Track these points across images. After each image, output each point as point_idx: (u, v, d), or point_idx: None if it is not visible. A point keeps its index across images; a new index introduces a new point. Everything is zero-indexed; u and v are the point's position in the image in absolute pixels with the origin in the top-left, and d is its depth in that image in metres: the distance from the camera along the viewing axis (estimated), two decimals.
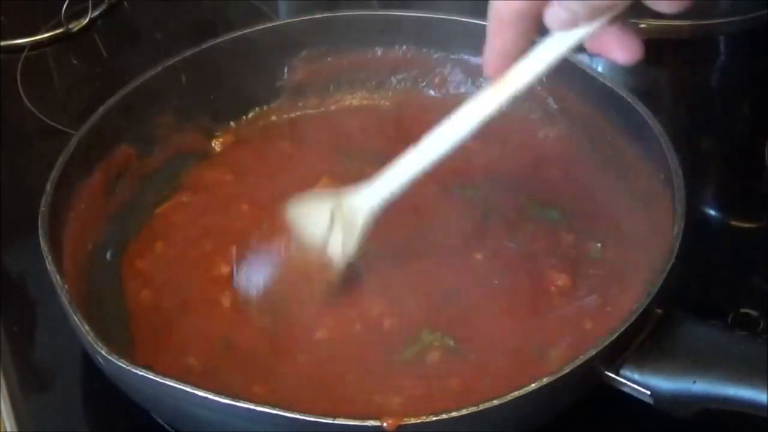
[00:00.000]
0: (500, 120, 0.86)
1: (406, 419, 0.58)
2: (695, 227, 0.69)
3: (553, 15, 0.58)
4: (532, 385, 0.59)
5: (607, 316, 0.69)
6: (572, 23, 0.58)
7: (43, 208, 0.71)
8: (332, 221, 0.68)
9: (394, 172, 0.68)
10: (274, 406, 0.58)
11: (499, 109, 0.63)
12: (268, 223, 0.73)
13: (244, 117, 0.89)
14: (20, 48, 1.04)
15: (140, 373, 0.61)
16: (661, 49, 0.99)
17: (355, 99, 0.91)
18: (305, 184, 0.81)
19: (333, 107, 0.90)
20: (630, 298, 0.67)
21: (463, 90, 0.90)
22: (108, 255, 0.78)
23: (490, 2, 0.60)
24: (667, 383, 0.62)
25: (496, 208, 0.78)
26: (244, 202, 0.80)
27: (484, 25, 0.86)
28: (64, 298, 0.66)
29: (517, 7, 0.58)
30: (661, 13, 0.56)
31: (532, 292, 0.72)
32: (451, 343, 0.69)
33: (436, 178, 0.74)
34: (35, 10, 1.09)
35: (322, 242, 0.68)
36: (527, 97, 0.87)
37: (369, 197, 0.68)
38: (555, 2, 0.58)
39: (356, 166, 0.82)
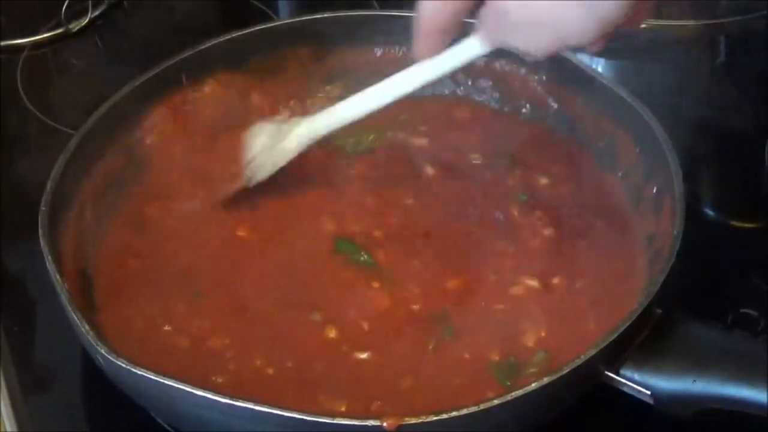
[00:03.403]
0: (501, 119, 0.88)
1: (406, 419, 0.58)
2: (695, 227, 0.70)
3: (484, 33, 0.68)
4: (533, 384, 0.59)
5: (607, 316, 0.69)
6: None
7: (43, 208, 0.71)
8: (270, 141, 0.77)
9: (330, 114, 0.77)
10: (274, 405, 0.58)
11: (425, 83, 0.74)
12: None
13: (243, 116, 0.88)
14: (20, 48, 1.04)
15: (140, 373, 0.61)
16: (661, 49, 0.99)
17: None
18: (304, 182, 0.82)
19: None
20: (630, 298, 0.68)
21: (462, 90, 0.90)
22: None
23: (419, 6, 0.68)
24: (667, 383, 0.62)
25: (499, 207, 0.79)
26: (239, 200, 0.80)
27: None
28: (64, 298, 0.66)
29: (444, 25, 0.68)
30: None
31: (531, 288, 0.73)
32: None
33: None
34: (35, 10, 1.09)
35: (252, 156, 0.77)
36: (528, 97, 0.87)
37: (306, 130, 0.77)
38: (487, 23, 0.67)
39: (357, 166, 0.83)
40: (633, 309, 0.63)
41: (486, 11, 0.66)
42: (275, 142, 0.77)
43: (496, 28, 0.66)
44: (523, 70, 0.87)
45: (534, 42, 0.64)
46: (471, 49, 0.71)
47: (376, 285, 0.73)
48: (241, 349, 0.69)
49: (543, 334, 0.69)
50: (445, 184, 0.81)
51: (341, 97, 0.78)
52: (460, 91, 0.90)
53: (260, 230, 0.78)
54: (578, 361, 0.60)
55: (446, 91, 0.90)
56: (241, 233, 0.78)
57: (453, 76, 0.90)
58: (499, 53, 0.70)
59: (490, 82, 0.89)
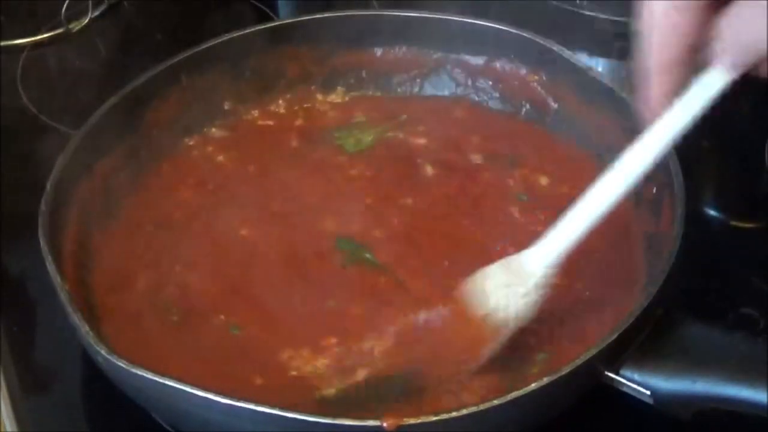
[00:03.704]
0: (501, 119, 0.88)
1: (406, 419, 0.58)
2: (695, 227, 0.70)
3: (730, 51, 0.56)
4: (532, 385, 0.59)
5: (607, 316, 0.69)
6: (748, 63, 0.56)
7: (43, 208, 0.71)
8: (507, 289, 0.66)
9: (562, 228, 0.65)
10: (273, 406, 0.58)
11: (666, 149, 0.62)
12: None
13: (244, 117, 0.89)
14: (20, 48, 1.04)
15: (140, 373, 0.61)
16: None
17: (354, 99, 0.91)
18: (304, 182, 0.82)
19: (333, 107, 0.90)
20: (630, 298, 0.68)
21: (461, 90, 0.90)
22: None
23: (647, 40, 0.57)
24: (667, 383, 0.62)
25: (499, 207, 0.79)
26: (242, 200, 0.80)
27: (484, 25, 0.87)
28: (64, 298, 0.66)
29: (687, 44, 0.55)
30: None
31: None
32: None
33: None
34: (35, 10, 1.09)
35: (495, 310, 0.65)
36: (528, 97, 0.87)
37: (539, 259, 0.66)
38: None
39: (357, 165, 0.83)
40: (633, 309, 0.63)
41: (736, 11, 0.53)
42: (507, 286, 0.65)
43: (753, 31, 0.53)
44: (523, 70, 0.87)
45: None
46: (712, 84, 0.58)
47: (377, 285, 0.73)
48: None
49: (543, 334, 0.69)
50: (445, 184, 0.81)
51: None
52: (459, 91, 0.90)
53: (262, 229, 0.78)
54: (578, 361, 0.60)
55: (446, 91, 0.90)
56: (243, 232, 0.78)
57: (452, 76, 0.90)
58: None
59: (490, 82, 0.89)
